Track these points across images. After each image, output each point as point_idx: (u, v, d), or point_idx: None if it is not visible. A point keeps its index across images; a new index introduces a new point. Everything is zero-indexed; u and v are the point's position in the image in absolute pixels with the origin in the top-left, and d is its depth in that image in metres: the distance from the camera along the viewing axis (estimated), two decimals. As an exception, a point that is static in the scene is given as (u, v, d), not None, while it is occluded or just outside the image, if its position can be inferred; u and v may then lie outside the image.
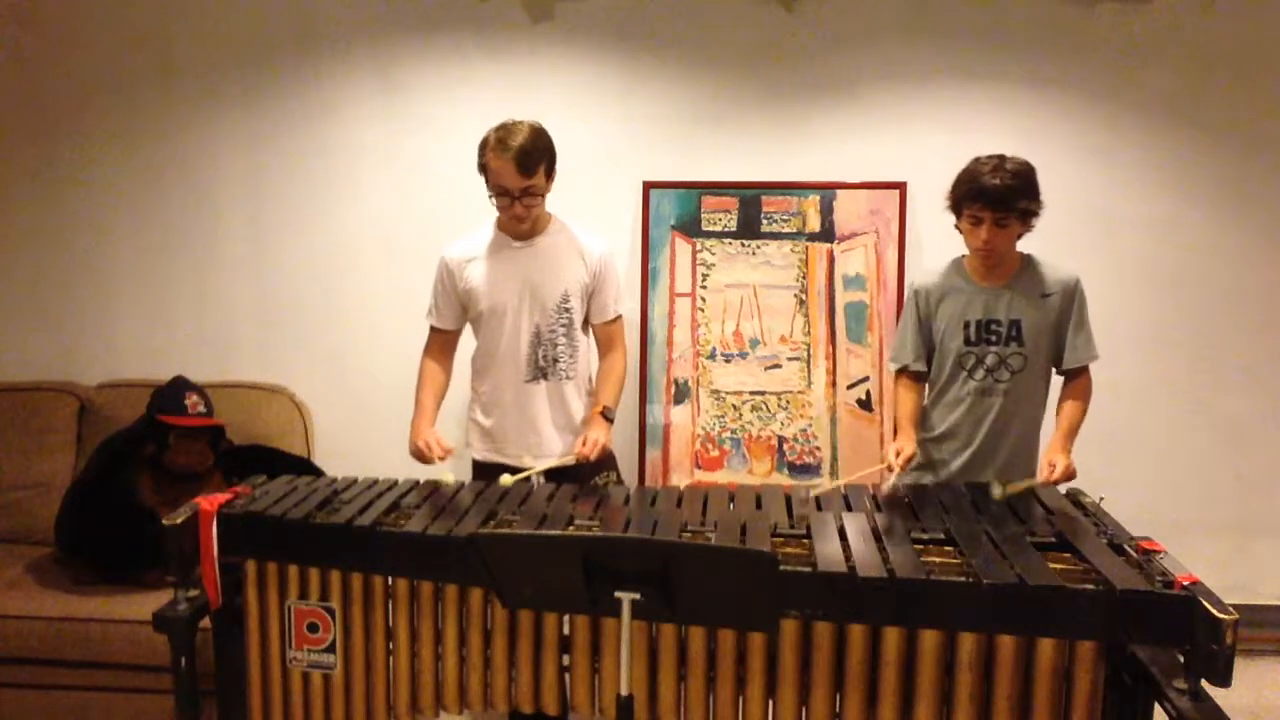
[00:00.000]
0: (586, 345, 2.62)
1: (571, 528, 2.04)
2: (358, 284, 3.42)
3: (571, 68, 3.30)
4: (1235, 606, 1.59)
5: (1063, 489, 2.25)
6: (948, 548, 1.90)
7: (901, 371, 2.56)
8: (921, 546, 1.90)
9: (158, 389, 2.87)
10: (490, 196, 2.43)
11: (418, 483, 2.33)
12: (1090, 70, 3.20)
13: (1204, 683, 1.62)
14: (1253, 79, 3.17)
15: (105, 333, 3.48)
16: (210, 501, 2.11)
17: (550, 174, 2.43)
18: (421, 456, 2.45)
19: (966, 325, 2.42)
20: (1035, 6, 3.18)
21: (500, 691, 2.02)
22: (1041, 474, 2.28)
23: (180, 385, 2.85)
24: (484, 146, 2.38)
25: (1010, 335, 2.40)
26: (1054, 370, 2.49)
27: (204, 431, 2.82)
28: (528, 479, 2.35)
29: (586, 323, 2.60)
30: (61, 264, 3.46)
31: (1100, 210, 3.25)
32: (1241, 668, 1.57)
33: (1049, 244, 3.26)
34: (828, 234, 3.27)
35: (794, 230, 3.27)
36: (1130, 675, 1.75)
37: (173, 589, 2.12)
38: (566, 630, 1.97)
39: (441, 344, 2.64)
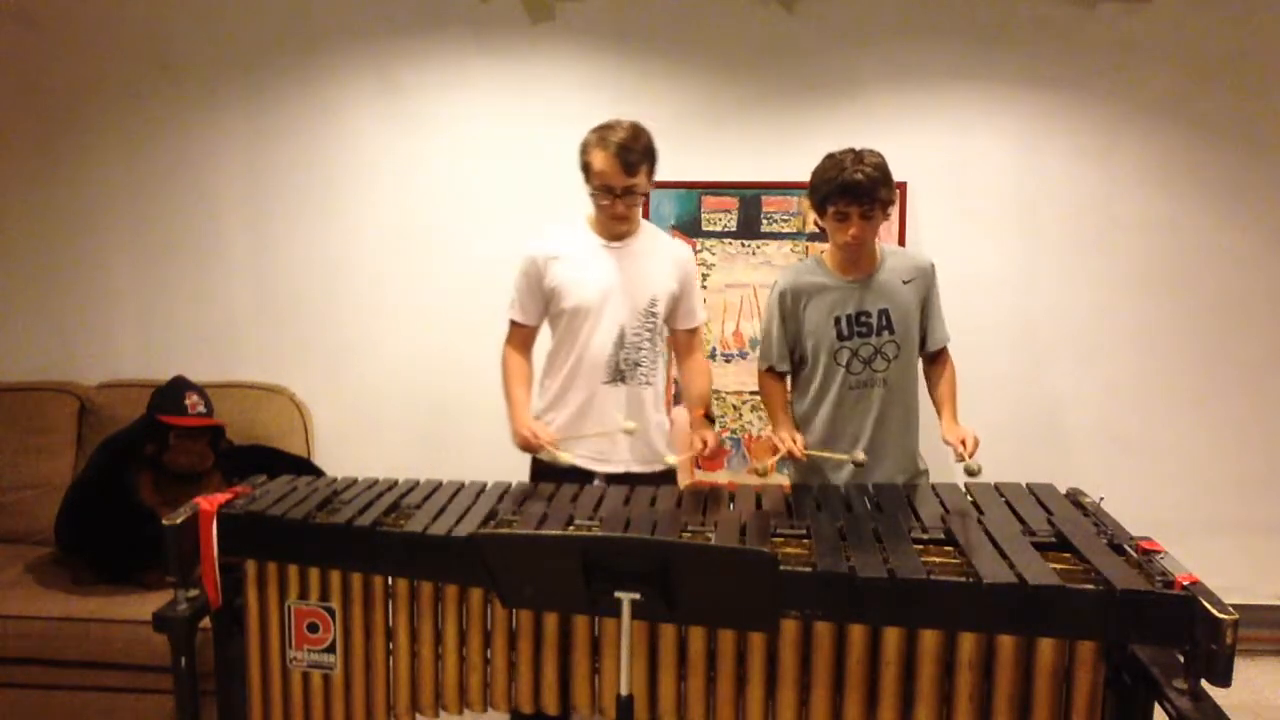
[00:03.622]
0: (664, 354, 2.58)
1: (571, 528, 2.04)
2: (357, 284, 3.43)
3: (571, 68, 3.30)
4: (1235, 606, 1.59)
5: (1062, 489, 2.25)
6: (948, 548, 1.90)
7: (767, 370, 2.57)
8: (921, 546, 1.90)
9: (158, 389, 2.87)
10: (591, 195, 2.41)
11: (418, 482, 2.33)
12: (1090, 70, 3.20)
13: (1204, 683, 1.62)
14: (1253, 79, 3.17)
15: (105, 333, 3.48)
16: (210, 501, 2.11)
17: (652, 173, 2.40)
18: (529, 446, 2.41)
19: (837, 320, 2.44)
20: (1035, 6, 3.19)
21: (500, 691, 2.02)
22: (957, 453, 2.31)
23: (180, 385, 2.85)
24: (586, 146, 2.37)
25: (881, 325, 2.43)
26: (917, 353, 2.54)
27: (204, 431, 2.82)
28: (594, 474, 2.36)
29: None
30: (61, 264, 3.46)
31: (1099, 210, 3.26)
32: (1241, 668, 1.57)
33: (1048, 243, 3.28)
34: (828, 234, 3.26)
35: (794, 230, 3.27)
36: (1130, 675, 1.75)
37: (173, 589, 2.12)
38: (567, 630, 1.97)
39: (523, 339, 2.55)
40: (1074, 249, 3.28)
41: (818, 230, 3.26)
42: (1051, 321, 3.30)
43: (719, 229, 3.26)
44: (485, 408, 3.43)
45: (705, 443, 2.40)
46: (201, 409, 2.81)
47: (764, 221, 3.28)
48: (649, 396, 2.50)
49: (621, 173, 2.31)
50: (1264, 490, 3.32)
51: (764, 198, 3.28)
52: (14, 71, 3.39)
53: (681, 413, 2.52)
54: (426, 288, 3.42)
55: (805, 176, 3.27)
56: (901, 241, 3.19)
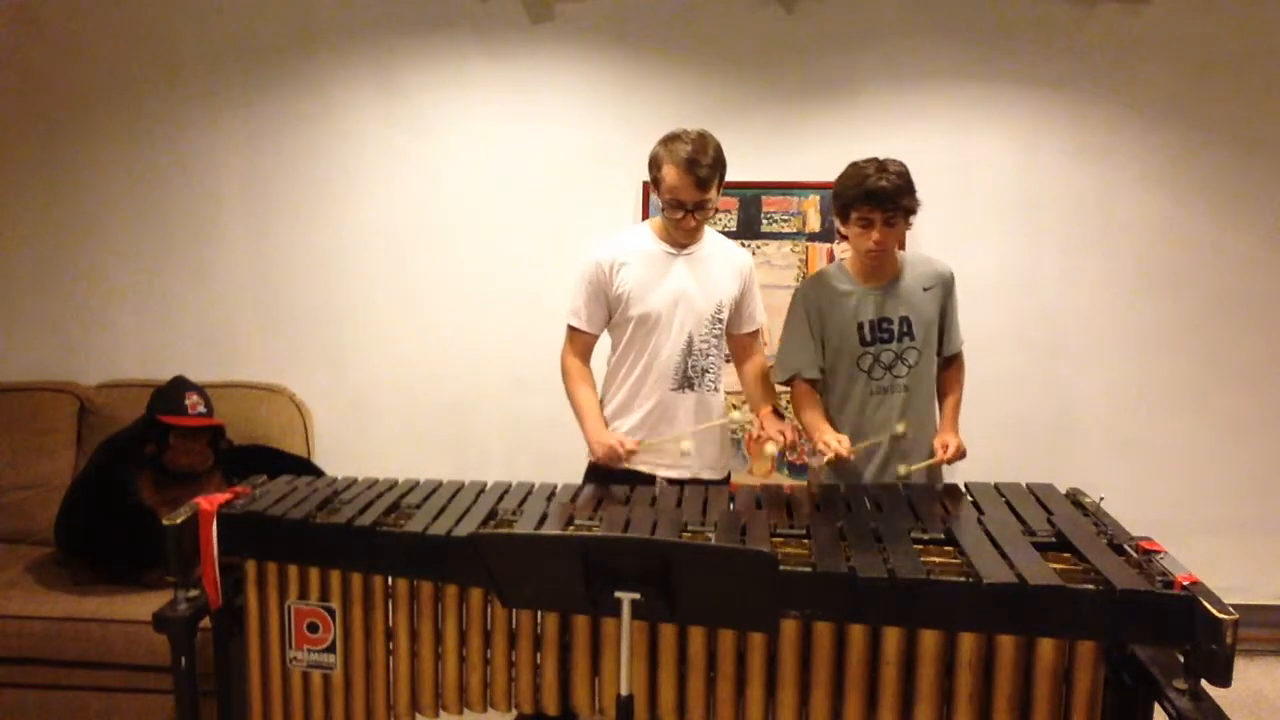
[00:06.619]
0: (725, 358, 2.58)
1: (571, 528, 2.04)
2: (358, 284, 3.43)
3: (571, 68, 3.30)
4: (1235, 606, 1.59)
5: (1063, 489, 2.25)
6: (948, 548, 1.91)
7: (791, 379, 2.51)
8: (921, 546, 1.90)
9: (158, 389, 2.87)
10: (662, 207, 2.40)
11: (418, 482, 2.33)
12: (1090, 70, 3.20)
13: (1204, 682, 1.62)
14: (1252, 79, 3.17)
15: (105, 333, 3.48)
16: (210, 501, 2.11)
17: (721, 184, 2.39)
18: (614, 458, 2.38)
19: (860, 326, 2.44)
20: (1035, 6, 3.19)
21: (500, 691, 2.02)
22: (936, 455, 2.37)
23: (180, 385, 2.85)
24: (656, 159, 2.35)
25: (902, 331, 2.44)
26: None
27: (204, 431, 2.81)
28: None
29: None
30: (62, 264, 3.46)
31: (1100, 210, 3.26)
32: (1241, 667, 1.57)
33: (1048, 243, 3.29)
34: (828, 234, 3.27)
35: (794, 230, 3.27)
36: (1130, 675, 1.75)
37: (173, 589, 2.12)
38: (567, 630, 1.97)
39: (585, 346, 2.52)
40: (1074, 249, 3.28)
41: (818, 230, 3.27)
42: (1051, 321, 3.30)
43: (719, 229, 3.25)
44: (485, 408, 3.46)
45: (785, 435, 2.41)
46: (201, 409, 2.81)
47: (764, 221, 3.28)
48: (715, 402, 2.51)
49: (693, 188, 2.30)
50: (1264, 490, 3.32)
51: (764, 198, 3.28)
52: (15, 72, 3.39)
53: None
54: (427, 287, 3.42)
55: (805, 176, 3.30)
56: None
